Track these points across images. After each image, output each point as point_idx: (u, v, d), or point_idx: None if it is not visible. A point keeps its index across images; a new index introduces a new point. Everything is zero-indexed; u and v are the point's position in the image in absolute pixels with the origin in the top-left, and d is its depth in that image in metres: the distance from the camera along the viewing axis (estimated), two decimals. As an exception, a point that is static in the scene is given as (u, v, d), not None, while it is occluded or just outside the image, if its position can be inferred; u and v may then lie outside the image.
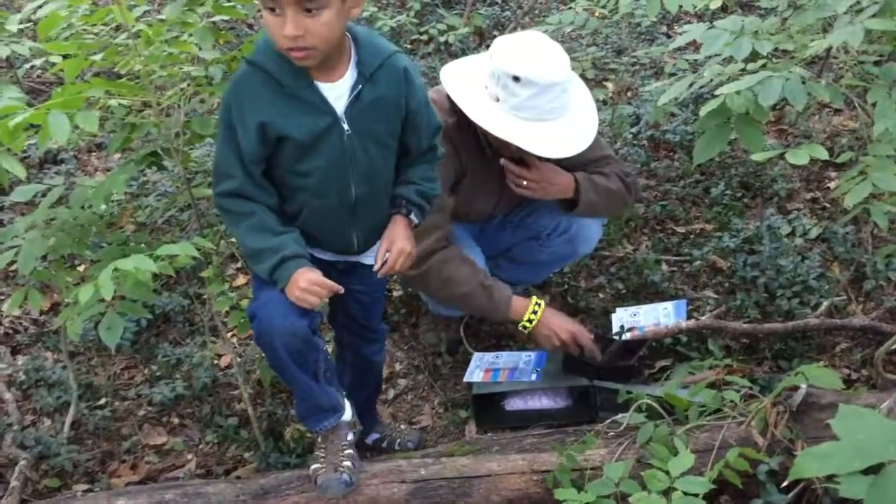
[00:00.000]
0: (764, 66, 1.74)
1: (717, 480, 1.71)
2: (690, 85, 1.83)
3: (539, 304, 2.36)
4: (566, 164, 2.56)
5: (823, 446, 0.98)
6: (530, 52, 2.12)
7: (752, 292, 2.69)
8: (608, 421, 2.04)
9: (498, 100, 2.13)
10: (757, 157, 1.68)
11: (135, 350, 2.70)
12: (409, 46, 4.55)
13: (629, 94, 4.05)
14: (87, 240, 1.85)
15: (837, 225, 2.90)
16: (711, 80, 1.82)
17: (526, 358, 2.47)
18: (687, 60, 3.42)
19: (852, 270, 2.77)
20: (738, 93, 1.63)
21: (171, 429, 2.45)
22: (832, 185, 3.28)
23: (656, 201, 3.28)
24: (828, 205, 3.18)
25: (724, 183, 3.26)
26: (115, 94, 1.72)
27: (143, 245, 1.88)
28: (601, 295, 2.94)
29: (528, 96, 2.09)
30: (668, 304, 2.66)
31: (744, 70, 1.79)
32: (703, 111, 1.65)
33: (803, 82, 1.58)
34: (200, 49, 1.72)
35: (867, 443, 0.94)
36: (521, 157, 2.30)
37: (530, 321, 2.35)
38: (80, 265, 2.67)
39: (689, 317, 2.64)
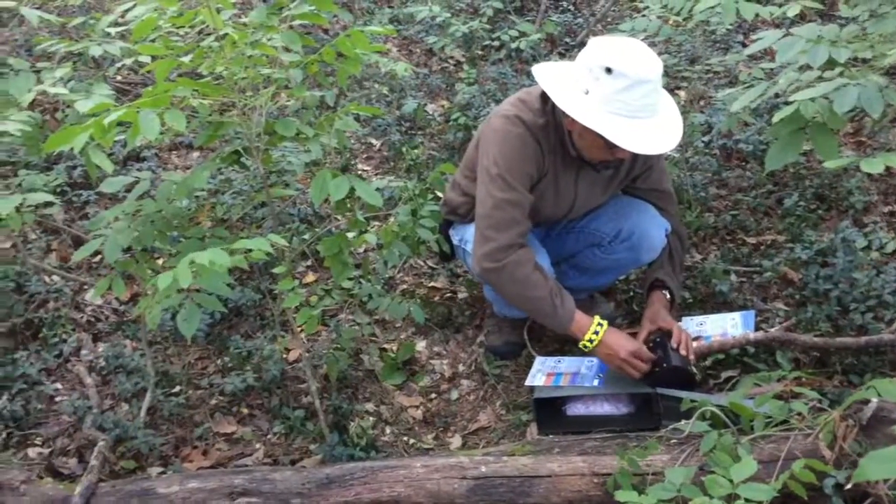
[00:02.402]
0: (841, 73, 1.72)
1: (782, 492, 1.69)
2: (764, 92, 1.82)
3: (601, 325, 2.35)
4: (630, 190, 2.58)
5: (889, 450, 0.97)
6: (626, 47, 2.12)
7: (824, 305, 2.64)
8: (670, 427, 2.04)
9: (588, 92, 2.13)
10: (829, 164, 1.66)
11: (208, 342, 2.79)
12: (480, 52, 4.60)
13: (701, 102, 4.01)
14: (169, 232, 1.93)
15: None
16: (786, 89, 1.80)
17: (588, 363, 2.48)
18: (762, 69, 3.38)
19: (931, 286, 2.69)
20: (812, 100, 1.62)
21: (240, 418, 2.53)
22: (911, 198, 3.20)
23: (727, 211, 3.24)
24: (906, 218, 3.11)
25: (798, 194, 3.20)
26: (200, 94, 1.79)
27: (220, 239, 1.95)
28: (667, 303, 2.92)
29: (619, 89, 2.07)
30: (736, 315, 2.63)
31: (820, 78, 1.77)
32: (777, 118, 1.63)
33: (880, 90, 1.56)
34: (289, 51, 1.78)
35: (934, 449, 0.92)
36: (602, 161, 2.31)
37: (591, 341, 2.34)
38: (159, 259, 2.78)
39: (757, 328, 2.61)
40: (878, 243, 2.92)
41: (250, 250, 1.72)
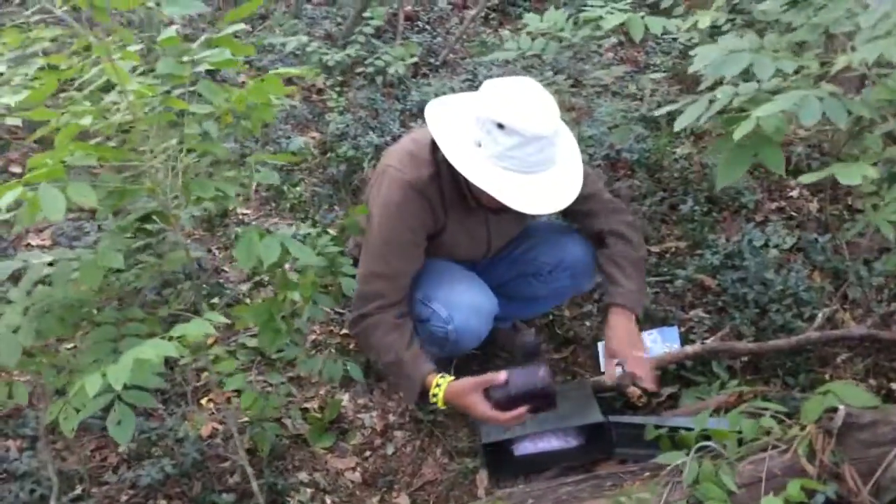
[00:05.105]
0: (783, 86, 1.71)
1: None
2: (707, 107, 1.78)
3: (440, 385, 2.12)
4: (574, 221, 2.47)
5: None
6: (519, 100, 1.99)
7: (745, 309, 2.67)
8: (658, 459, 1.94)
9: (480, 145, 2.01)
10: (805, 179, 1.63)
11: (102, 428, 2.46)
12: (340, 78, 4.42)
13: (573, 113, 4.03)
14: (75, 321, 1.65)
15: (849, 234, 2.80)
16: (729, 102, 1.76)
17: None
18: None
19: (834, 279, 2.79)
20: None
21: (160, 513, 2.24)
22: (794, 193, 3.32)
23: (626, 222, 3.25)
24: (794, 213, 3.22)
25: (692, 199, 3.25)
26: (102, 160, 1.54)
27: (136, 322, 1.69)
28: (587, 323, 2.88)
29: (512, 146, 1.96)
30: (654, 331, 2.62)
31: (758, 90, 1.75)
32: (738, 133, 1.58)
33: (838, 99, 1.54)
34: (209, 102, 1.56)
35: None
36: (502, 208, 2.10)
37: (435, 395, 2.14)
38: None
39: (682, 339, 2.62)
40: (776, 241, 2.99)
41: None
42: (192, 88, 1.58)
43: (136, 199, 1.71)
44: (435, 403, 2.14)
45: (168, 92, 1.58)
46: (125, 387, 1.48)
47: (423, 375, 2.15)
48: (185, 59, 1.53)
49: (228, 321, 1.60)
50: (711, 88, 1.92)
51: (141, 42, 1.58)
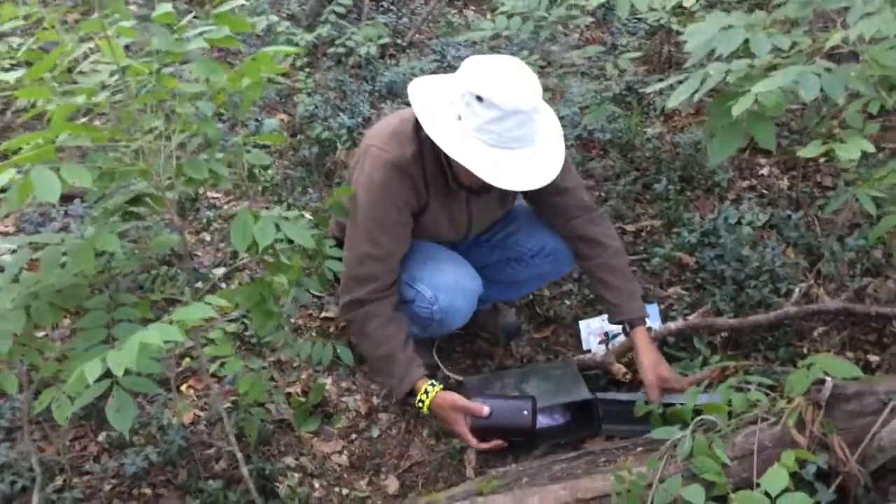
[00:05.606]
0: (776, 63, 1.72)
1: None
2: (700, 86, 1.79)
3: (428, 392, 2.19)
4: (545, 216, 2.45)
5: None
6: (500, 74, 1.98)
7: (723, 286, 2.71)
8: (651, 435, 1.97)
9: (460, 118, 2.01)
10: (805, 152, 1.64)
11: (82, 417, 2.41)
12: (306, 59, 4.35)
13: (547, 94, 4.03)
14: (67, 306, 1.60)
15: (828, 210, 2.82)
16: (722, 80, 1.78)
17: None
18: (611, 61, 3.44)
19: (808, 254, 2.84)
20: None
21: (144, 501, 2.20)
22: (764, 171, 3.37)
23: (599, 202, 3.26)
24: (765, 191, 3.27)
25: (665, 178, 3.28)
26: (93, 140, 1.49)
27: (129, 307, 1.65)
28: (567, 302, 2.89)
29: (490, 119, 1.95)
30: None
31: (751, 66, 1.76)
32: (736, 110, 1.59)
33: (836, 75, 1.56)
34: (208, 81, 1.52)
35: None
36: (483, 188, 2.13)
37: (421, 402, 2.20)
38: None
39: (663, 317, 2.65)
40: (750, 218, 3.03)
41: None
42: (184, 66, 1.54)
43: (125, 182, 1.66)
44: (419, 407, 2.20)
45: (159, 70, 1.54)
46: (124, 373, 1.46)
47: (415, 380, 2.21)
48: (178, 36, 1.48)
49: (228, 304, 1.57)
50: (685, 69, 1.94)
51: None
